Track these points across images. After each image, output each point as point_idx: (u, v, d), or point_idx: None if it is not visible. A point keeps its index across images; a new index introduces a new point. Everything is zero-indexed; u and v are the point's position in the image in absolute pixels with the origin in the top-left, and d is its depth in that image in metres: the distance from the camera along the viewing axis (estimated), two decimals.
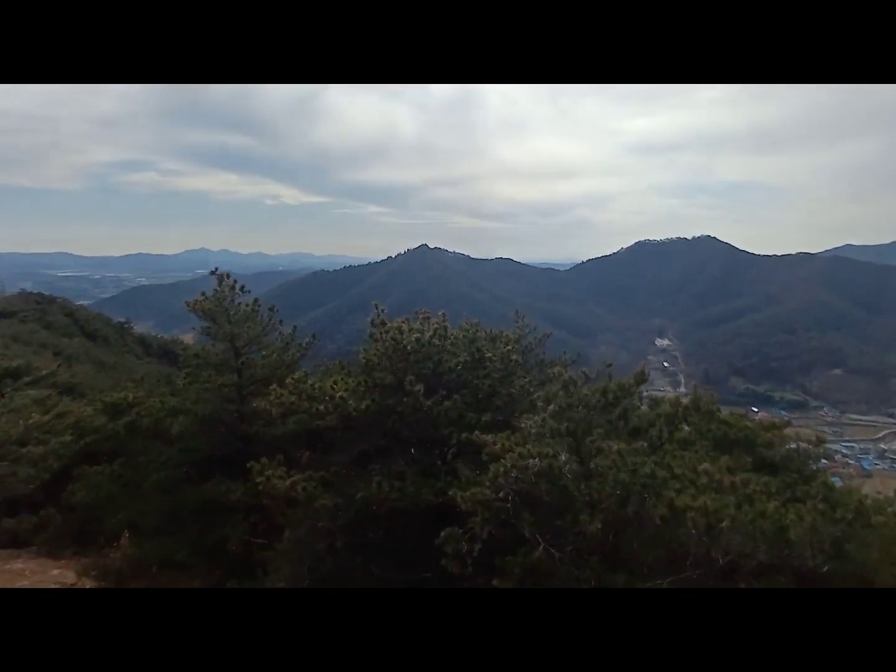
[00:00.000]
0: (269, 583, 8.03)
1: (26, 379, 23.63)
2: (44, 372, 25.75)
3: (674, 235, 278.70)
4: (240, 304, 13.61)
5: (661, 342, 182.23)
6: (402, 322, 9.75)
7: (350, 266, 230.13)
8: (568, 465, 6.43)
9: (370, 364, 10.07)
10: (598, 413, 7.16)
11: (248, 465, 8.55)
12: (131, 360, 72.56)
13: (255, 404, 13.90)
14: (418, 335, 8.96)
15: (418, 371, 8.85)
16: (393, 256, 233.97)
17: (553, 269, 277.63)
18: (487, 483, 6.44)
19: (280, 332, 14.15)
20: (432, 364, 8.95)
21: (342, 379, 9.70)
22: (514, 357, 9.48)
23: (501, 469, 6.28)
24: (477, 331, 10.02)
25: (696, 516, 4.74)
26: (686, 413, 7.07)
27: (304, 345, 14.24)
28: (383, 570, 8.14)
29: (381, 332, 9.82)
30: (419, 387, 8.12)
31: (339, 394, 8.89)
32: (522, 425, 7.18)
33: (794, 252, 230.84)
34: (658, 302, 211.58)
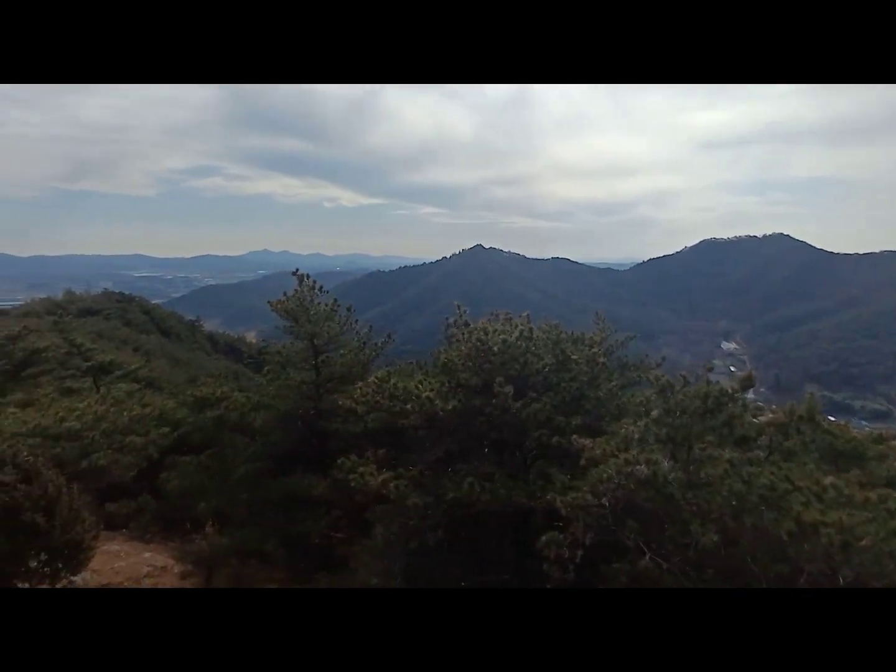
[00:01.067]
0: (360, 579, 8.20)
1: (118, 373, 25.40)
2: (133, 367, 27.60)
3: (743, 234, 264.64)
4: (319, 303, 14.06)
5: (728, 345, 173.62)
6: (485, 322, 9.76)
7: (405, 266, 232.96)
8: (672, 473, 6.20)
9: (451, 365, 10.12)
10: (697, 420, 6.87)
11: (338, 462, 8.76)
12: (201, 356, 76.24)
13: (339, 402, 14.43)
14: (504, 336, 8.92)
15: (504, 373, 8.80)
16: (448, 257, 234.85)
17: (612, 269, 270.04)
18: (587, 488, 6.32)
19: (356, 332, 14.51)
20: (518, 366, 8.88)
21: (425, 379, 9.79)
22: (600, 360, 9.27)
23: (605, 475, 6.14)
24: (560, 332, 9.87)
25: (832, 533, 4.44)
26: (799, 422, 6.67)
27: (379, 344, 14.54)
28: (466, 570, 8.17)
29: (464, 334, 9.85)
30: (509, 388, 8.07)
31: (426, 394, 8.98)
32: (622, 430, 6.98)
33: (878, 251, 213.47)
34: (724, 303, 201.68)
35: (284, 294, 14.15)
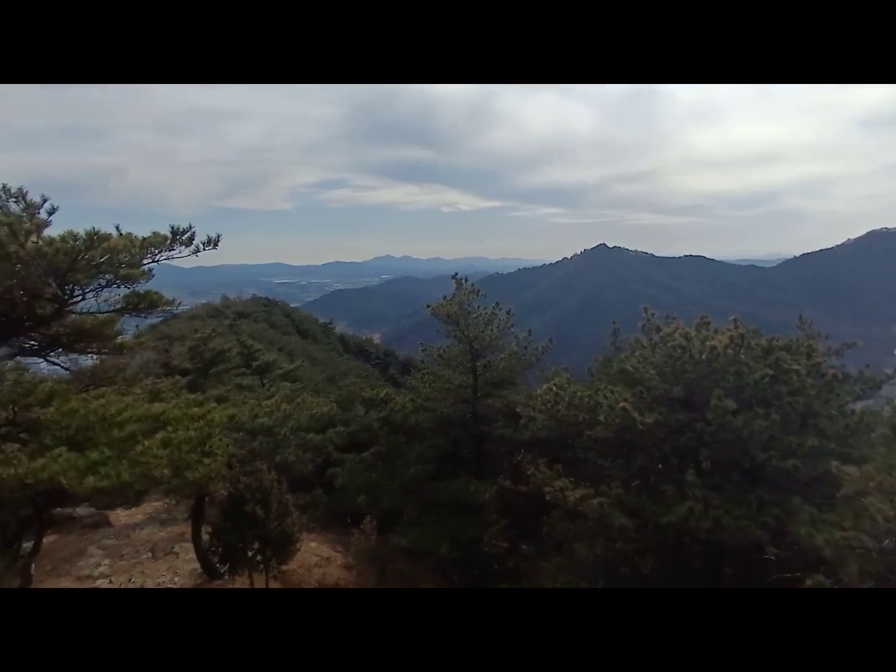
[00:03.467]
0: None
1: (278, 371, 27.74)
2: (291, 366, 30.01)
3: None
4: (479, 307, 13.98)
5: None
6: (676, 326, 8.86)
7: (524, 269, 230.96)
8: None
9: (636, 374, 9.34)
10: None
11: (529, 472, 8.41)
12: (335, 357, 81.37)
13: (497, 406, 14.28)
14: (713, 343, 7.97)
15: (712, 384, 7.87)
16: (568, 258, 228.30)
17: (755, 267, 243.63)
18: (848, 524, 5.29)
19: (515, 336, 14.22)
20: (731, 377, 7.89)
21: (612, 389, 9.13)
22: (830, 371, 7.95)
23: (886, 512, 5.07)
24: (774, 339, 8.66)
25: None
26: None
27: (539, 349, 14.11)
28: None
29: (652, 339, 9.04)
30: (729, 402, 7.15)
31: (621, 405, 8.32)
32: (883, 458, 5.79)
33: None
34: None
35: (444, 297, 14.29)
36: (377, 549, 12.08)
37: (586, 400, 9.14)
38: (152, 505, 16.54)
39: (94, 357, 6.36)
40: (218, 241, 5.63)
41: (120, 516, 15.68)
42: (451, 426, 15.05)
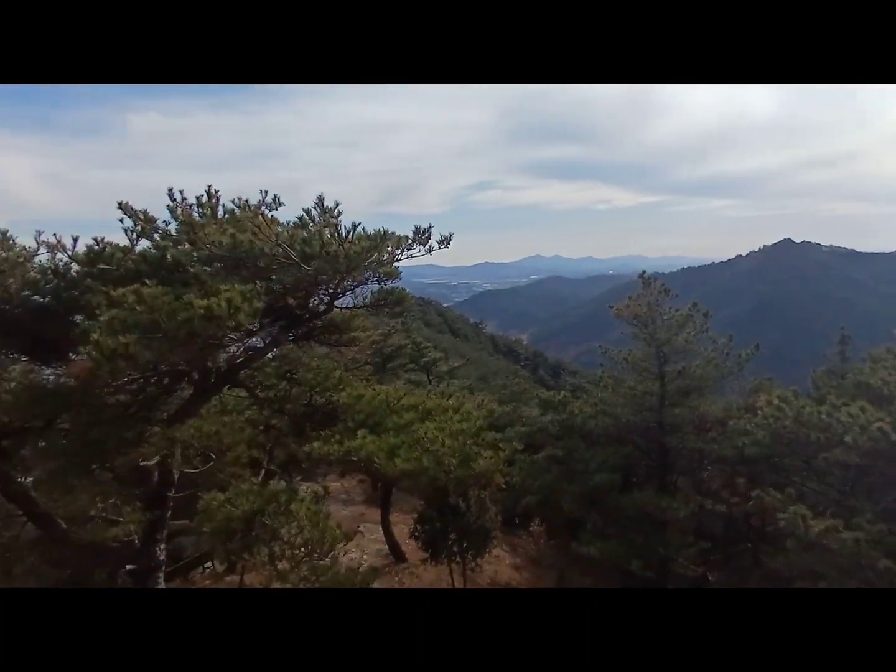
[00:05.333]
0: None
1: (444, 368, 28.83)
2: (456, 364, 31.05)
3: None
4: (670, 308, 12.96)
5: None
6: None
7: (688, 268, 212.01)
8: None
9: (890, 390, 7.79)
10: None
11: (753, 493, 7.49)
12: (485, 356, 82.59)
13: (688, 418, 13.15)
14: None
15: None
16: (743, 255, 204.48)
17: None
18: None
19: (713, 340, 12.90)
20: None
21: (863, 407, 7.73)
22: None
23: None
24: None
25: None
26: None
27: (743, 356, 12.62)
28: None
29: None
30: None
31: (877, 425, 6.99)
32: None
33: None
34: None
35: (629, 297, 13.52)
36: (556, 556, 11.81)
37: (822, 417, 7.88)
38: (332, 486, 18.18)
39: (329, 349, 7.00)
40: (450, 240, 5.80)
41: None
42: (633, 434, 14.20)
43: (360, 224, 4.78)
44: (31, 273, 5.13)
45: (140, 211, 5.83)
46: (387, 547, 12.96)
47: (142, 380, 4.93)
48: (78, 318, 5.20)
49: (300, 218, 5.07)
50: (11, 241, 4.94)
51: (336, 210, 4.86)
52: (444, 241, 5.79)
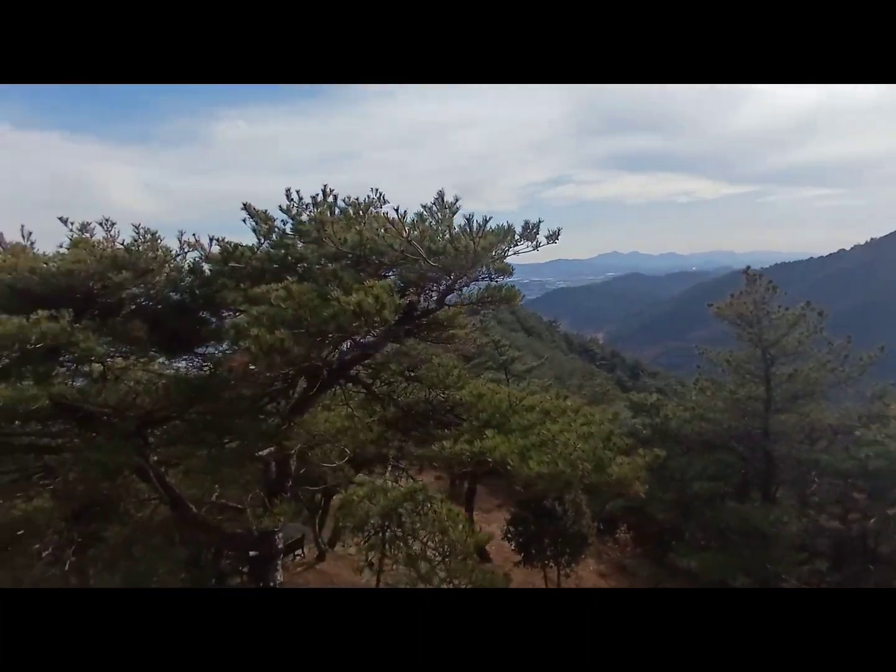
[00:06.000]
0: None
1: (521, 367, 28.49)
2: (535, 363, 30.63)
3: None
4: (779, 307, 12.01)
5: None
6: None
7: (782, 263, 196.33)
8: None
9: None
10: None
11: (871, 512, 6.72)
12: (559, 355, 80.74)
13: (800, 425, 12.16)
14: None
15: None
16: (847, 249, 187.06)
17: None
18: None
19: (828, 342, 11.79)
20: None
21: None
22: None
23: None
24: None
25: None
26: None
27: (864, 359, 11.42)
28: None
29: None
30: None
31: None
32: None
33: None
34: None
35: (731, 295, 12.68)
36: (645, 565, 11.29)
37: None
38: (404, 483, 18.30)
39: (428, 345, 7.04)
40: (558, 234, 5.63)
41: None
42: (733, 441, 13.30)
43: (490, 218, 4.76)
44: (172, 272, 5.55)
45: (261, 211, 6.15)
46: None
47: (270, 374, 5.19)
48: (205, 314, 5.59)
49: (419, 214, 5.13)
50: (160, 241, 5.38)
51: (455, 205, 4.86)
52: (553, 237, 5.64)
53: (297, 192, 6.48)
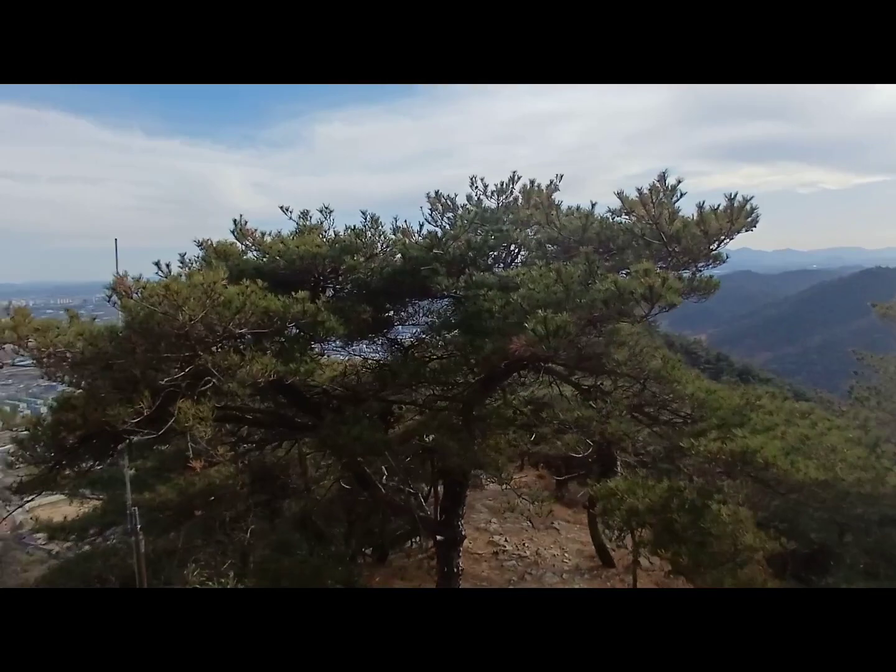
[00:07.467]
0: None
1: None
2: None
3: None
4: None
5: None
6: None
7: None
8: None
9: None
10: None
11: None
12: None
13: None
14: None
15: None
16: None
17: None
18: None
19: None
20: None
21: None
22: None
23: None
24: None
25: None
26: None
27: None
28: None
29: None
30: None
31: None
32: None
33: None
34: None
35: None
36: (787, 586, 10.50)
37: None
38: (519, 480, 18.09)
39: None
40: (757, 221, 5.38)
41: (487, 482, 17.67)
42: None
43: (720, 205, 4.65)
44: (390, 257, 5.98)
45: (449, 199, 6.46)
46: (585, 547, 12.68)
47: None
48: (409, 300, 5.98)
49: (639, 194, 5.12)
50: (381, 227, 5.82)
51: (678, 188, 4.81)
52: (751, 224, 5.38)
53: (482, 179, 6.72)
